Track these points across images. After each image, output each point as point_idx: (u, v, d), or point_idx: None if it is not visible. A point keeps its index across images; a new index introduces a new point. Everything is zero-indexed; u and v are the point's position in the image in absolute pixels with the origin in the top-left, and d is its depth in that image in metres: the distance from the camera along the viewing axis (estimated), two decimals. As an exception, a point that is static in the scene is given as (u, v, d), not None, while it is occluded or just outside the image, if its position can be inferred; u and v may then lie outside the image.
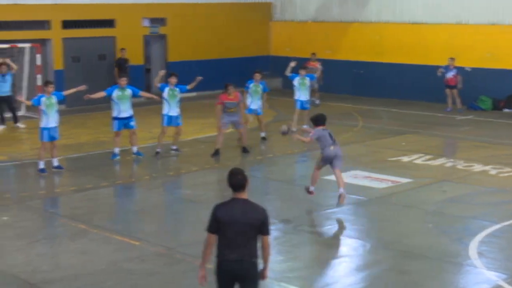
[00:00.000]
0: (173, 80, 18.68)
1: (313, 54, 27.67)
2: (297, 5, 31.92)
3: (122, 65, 26.96)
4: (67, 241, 12.57)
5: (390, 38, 28.68)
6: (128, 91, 18.18)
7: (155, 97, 19.18)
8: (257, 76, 20.44)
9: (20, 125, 22.88)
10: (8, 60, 23.12)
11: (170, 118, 18.74)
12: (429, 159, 18.29)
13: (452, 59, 25.63)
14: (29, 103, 17.43)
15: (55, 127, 16.97)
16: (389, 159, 18.38)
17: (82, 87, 17.62)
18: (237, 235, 7.70)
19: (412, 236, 12.67)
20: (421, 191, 15.52)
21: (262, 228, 7.80)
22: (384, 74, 28.87)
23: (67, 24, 26.72)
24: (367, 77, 29.40)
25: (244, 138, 19.25)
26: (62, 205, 15.21)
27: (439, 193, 15.38)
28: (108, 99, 18.42)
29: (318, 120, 14.41)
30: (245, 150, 19.12)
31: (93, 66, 27.33)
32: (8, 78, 22.66)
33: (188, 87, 18.97)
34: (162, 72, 19.48)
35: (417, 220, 13.67)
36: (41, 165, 16.93)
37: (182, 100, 19.13)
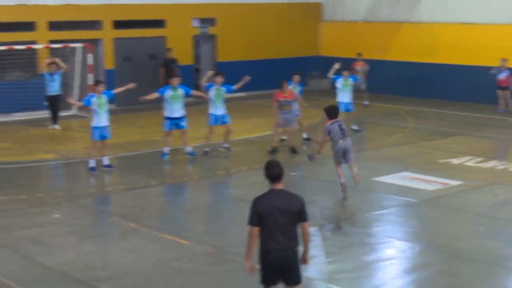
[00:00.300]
0: (219, 79, 18.72)
1: (359, 54, 27.54)
2: (347, 5, 31.77)
3: (168, 65, 27.13)
4: (117, 239, 12.69)
5: (441, 39, 28.37)
6: (180, 91, 18.30)
7: (205, 96, 19.20)
8: (296, 78, 20.24)
9: (57, 127, 22.96)
10: (58, 60, 23.39)
11: (216, 117, 18.80)
12: (480, 162, 18.05)
13: (505, 60, 25.27)
14: (80, 104, 17.64)
15: (106, 126, 17.15)
16: (439, 160, 18.19)
17: (131, 85, 17.78)
18: (279, 224, 8.03)
19: (462, 238, 12.52)
20: (472, 194, 15.32)
21: (301, 215, 8.16)
22: (435, 74, 28.57)
23: (118, 24, 26.99)
24: (417, 78, 29.12)
25: (291, 138, 19.23)
26: (113, 204, 15.37)
27: (490, 196, 15.18)
28: (159, 99, 18.52)
29: (330, 113, 14.86)
30: (293, 151, 19.06)
31: (144, 65, 27.55)
32: (57, 77, 22.90)
33: (235, 87, 18.99)
34: (210, 73, 19.52)
35: (468, 223, 13.51)
36: (92, 163, 17.13)
37: (231, 100, 19.20)
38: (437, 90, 28.45)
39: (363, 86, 26.28)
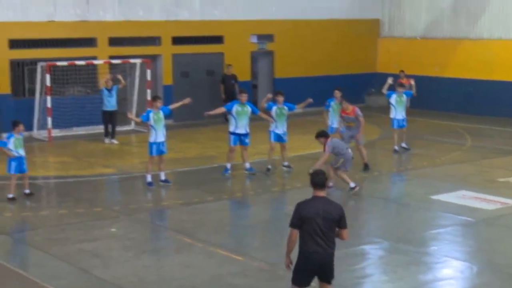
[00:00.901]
0: (280, 98, 18.63)
1: (402, 71, 27.64)
2: (406, 22, 31.57)
3: (227, 81, 27.30)
4: (173, 254, 12.78)
5: (501, 56, 27.99)
6: (248, 108, 18.27)
7: (270, 119, 18.82)
8: (337, 93, 20.15)
9: (115, 141, 23.21)
10: (119, 76, 23.68)
11: (278, 135, 18.72)
12: (541, 180, 17.72)
13: None
14: (139, 120, 17.74)
15: (163, 141, 17.28)
16: (499, 179, 17.89)
17: (187, 100, 17.87)
18: (319, 229, 8.76)
19: (521, 259, 12.30)
20: (532, 214, 15.04)
21: (341, 222, 8.91)
22: (495, 92, 28.18)
23: (177, 40, 27.25)
24: (476, 95, 28.76)
25: (364, 154, 18.96)
26: (169, 218, 15.47)
27: (551, 216, 14.88)
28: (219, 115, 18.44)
29: (323, 134, 16.19)
30: (366, 167, 18.88)
31: (201, 81, 27.73)
32: (114, 92, 23.15)
33: (298, 107, 19.08)
34: (270, 95, 19.24)
35: (527, 243, 13.26)
36: (149, 178, 17.27)
37: (288, 117, 19.09)
38: (497, 108, 28.03)
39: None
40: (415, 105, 28.25)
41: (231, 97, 26.60)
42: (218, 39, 28.25)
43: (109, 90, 22.98)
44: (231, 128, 18.27)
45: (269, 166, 18.74)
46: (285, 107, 18.69)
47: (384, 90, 21.68)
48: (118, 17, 25.84)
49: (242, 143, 18.37)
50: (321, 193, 8.93)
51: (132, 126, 25.16)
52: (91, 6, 25.22)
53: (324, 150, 16.03)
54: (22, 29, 24.02)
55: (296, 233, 8.84)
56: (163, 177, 17.48)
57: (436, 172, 19.00)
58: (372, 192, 17.15)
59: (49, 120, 23.61)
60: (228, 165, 18.50)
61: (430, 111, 28.71)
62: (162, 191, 17.25)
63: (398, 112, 21.32)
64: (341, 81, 28.51)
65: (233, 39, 28.33)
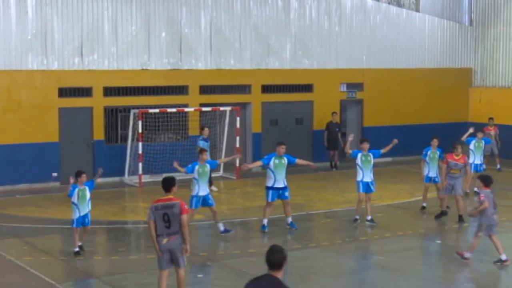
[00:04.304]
0: (366, 146, 18.28)
1: (491, 119, 27.55)
2: (498, 71, 31.11)
3: (331, 129, 27.53)
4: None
5: None
6: (285, 160, 17.57)
7: (311, 164, 18.71)
8: (435, 142, 19.80)
9: (214, 188, 23.33)
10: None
11: (366, 184, 18.31)
12: None
13: None
14: (183, 170, 17.48)
15: (207, 194, 17.16)
16: None
17: (237, 156, 17.77)
18: None
19: None
20: None
21: None
22: None
23: (267, 88, 27.53)
24: None
25: (461, 206, 18.51)
26: (256, 266, 15.43)
27: None
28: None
29: (486, 180, 14.80)
30: (461, 219, 18.44)
31: (290, 129, 27.83)
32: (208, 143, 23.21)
33: (383, 151, 18.47)
34: (351, 137, 18.91)
35: None
36: (221, 227, 17.14)
37: (376, 165, 18.86)
38: None
39: (495, 151, 26.83)
40: (507, 155, 27.69)
41: (334, 145, 26.79)
42: (307, 88, 28.42)
43: (206, 140, 23.05)
44: (269, 183, 17.50)
45: (357, 217, 18.42)
46: (370, 154, 18.31)
47: (464, 138, 21.92)
48: (210, 65, 26.30)
49: (282, 197, 17.62)
50: (274, 273, 7.60)
51: (220, 173, 25.38)
52: (183, 55, 25.78)
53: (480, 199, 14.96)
54: (117, 77, 24.73)
55: None
56: (221, 228, 17.27)
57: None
58: (463, 244, 16.77)
59: (140, 165, 24.08)
60: (265, 221, 17.70)
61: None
62: (248, 239, 17.23)
63: (476, 157, 21.87)
64: (431, 130, 28.13)
65: (323, 88, 28.44)
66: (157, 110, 24.58)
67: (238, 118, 25.51)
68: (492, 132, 26.95)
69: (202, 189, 17.07)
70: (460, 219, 18.44)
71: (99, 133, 24.61)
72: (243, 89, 27.33)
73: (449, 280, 14.28)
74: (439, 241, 16.56)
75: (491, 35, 31.29)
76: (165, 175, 24.48)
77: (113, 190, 23.12)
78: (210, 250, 16.25)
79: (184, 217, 11.83)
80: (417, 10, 31.08)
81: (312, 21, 28.24)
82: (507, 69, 30.75)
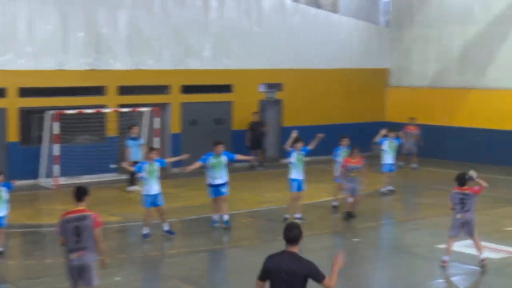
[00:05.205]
0: (300, 145, 18.55)
1: (412, 118, 28.16)
2: (414, 71, 31.72)
3: (255, 129, 27.78)
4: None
5: (510, 105, 28.01)
6: (223, 158, 17.91)
7: (251, 158, 19.07)
8: (345, 141, 20.24)
9: (137, 188, 23.19)
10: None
11: (299, 182, 18.57)
12: (549, 230, 17.61)
13: None
14: (132, 169, 17.53)
15: (158, 193, 17.02)
16: (506, 229, 17.80)
17: (184, 156, 17.81)
18: (282, 284, 8.20)
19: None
20: (540, 263, 14.91)
21: (313, 277, 8.23)
22: (503, 141, 28.12)
23: (186, 89, 27.42)
24: (485, 145, 28.71)
25: (355, 205, 18.99)
26: (174, 266, 15.37)
27: (559, 265, 14.74)
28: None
29: (461, 181, 14.52)
30: (349, 215, 18.83)
31: (210, 130, 27.80)
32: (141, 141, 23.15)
33: (310, 147, 18.81)
34: (294, 134, 18.91)
35: (535, 294, 13.12)
36: (145, 230, 17.02)
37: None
38: (506, 157, 27.94)
39: (414, 150, 27.37)
40: (423, 154, 28.28)
41: (257, 144, 26.96)
42: (227, 88, 28.43)
43: (135, 139, 22.91)
44: (209, 181, 17.99)
45: (286, 216, 18.50)
46: (303, 152, 18.57)
47: (376, 139, 22.47)
48: (128, 66, 26.04)
49: (220, 193, 17.96)
50: (291, 248, 8.36)
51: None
52: (101, 55, 25.46)
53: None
54: (33, 78, 24.24)
55: (261, 284, 8.37)
56: (166, 228, 17.26)
57: (444, 222, 18.78)
58: (379, 241, 17.06)
59: (57, 168, 23.68)
60: (215, 217, 18.19)
61: (439, 160, 28.67)
62: (167, 240, 17.15)
63: (388, 157, 22.24)
64: (349, 130, 28.54)
65: (242, 88, 28.50)
66: (74, 111, 24.18)
67: (157, 119, 25.29)
68: (414, 132, 27.45)
69: (153, 188, 16.99)
70: (349, 214, 18.80)
71: (13, 135, 24.09)
72: (163, 89, 27.15)
73: (366, 277, 14.48)
74: (356, 239, 16.76)
75: (407, 37, 31.88)
76: (83, 177, 24.38)
77: (29, 192, 22.64)
78: (129, 252, 16.09)
79: (98, 230, 10.89)
80: (335, 11, 31.43)
81: (231, 21, 28.25)
82: (422, 69, 31.38)
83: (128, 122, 24.70)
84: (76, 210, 10.94)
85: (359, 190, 18.94)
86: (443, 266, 14.24)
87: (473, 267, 14.52)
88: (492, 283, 13.84)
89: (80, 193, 11.01)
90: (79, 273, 10.88)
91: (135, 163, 21.77)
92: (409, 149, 27.20)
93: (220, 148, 17.98)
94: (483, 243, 15.97)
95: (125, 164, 19.12)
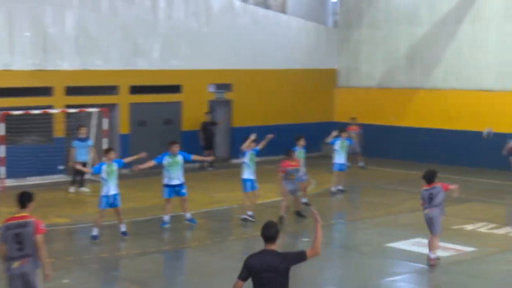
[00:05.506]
0: (252, 145, 18.78)
1: (353, 118, 28.63)
2: (362, 72, 31.99)
3: (207, 129, 27.92)
4: (126, 305, 12.59)
5: (456, 105, 28.42)
6: (180, 158, 18.05)
7: (207, 159, 19.62)
8: (301, 142, 20.44)
9: (85, 189, 23.05)
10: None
11: (252, 182, 18.73)
12: (493, 228, 17.92)
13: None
14: (89, 171, 17.46)
15: (116, 194, 16.96)
16: (453, 227, 18.02)
17: (143, 155, 17.72)
18: (265, 281, 8.41)
19: (475, 307, 12.35)
20: (485, 261, 15.17)
21: (299, 260, 8.62)
22: (450, 141, 28.52)
23: (135, 89, 27.25)
24: (432, 144, 29.08)
25: (298, 203, 19.32)
26: (124, 268, 15.28)
27: (503, 263, 15.02)
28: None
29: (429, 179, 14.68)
30: (299, 214, 19.10)
31: (159, 130, 27.67)
32: (89, 142, 23.04)
33: (259, 147, 19.02)
34: (253, 136, 19.11)
35: (481, 291, 13.33)
36: (94, 232, 16.89)
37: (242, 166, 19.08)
38: (453, 156, 28.33)
39: (358, 149, 27.70)
40: (371, 154, 28.57)
41: (210, 144, 26.95)
42: (176, 88, 28.33)
43: (83, 140, 22.73)
44: (165, 181, 18.04)
45: (243, 216, 18.60)
46: (254, 152, 18.83)
47: (328, 140, 22.91)
48: (76, 66, 25.77)
49: (179, 194, 18.14)
50: (270, 246, 8.57)
51: (87, 175, 24.88)
52: (48, 55, 25.15)
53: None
54: (-23, 78, 23.86)
55: (241, 284, 8.52)
56: (123, 229, 17.18)
57: (392, 220, 19.11)
58: (329, 240, 17.14)
59: (2, 169, 23.35)
60: (166, 218, 18.21)
61: (387, 160, 28.98)
62: (118, 241, 17.05)
63: (340, 157, 22.59)
64: (298, 130, 28.65)
65: (192, 88, 28.43)
66: (20, 112, 23.84)
67: (105, 120, 25.06)
68: (355, 132, 27.80)
69: (111, 189, 16.84)
70: (298, 213, 19.13)
71: (-42, 136, 23.68)
72: (111, 90, 26.92)
73: (316, 276, 14.56)
74: (306, 239, 16.83)
75: (355, 37, 32.13)
76: (29, 178, 24.05)
77: (-26, 195, 22.29)
78: (77, 255, 15.92)
79: (39, 237, 10.37)
80: (284, 12, 31.54)
81: (180, 22, 28.15)
82: (370, 70, 31.67)
83: (76, 123, 24.47)
84: (19, 217, 10.47)
85: (298, 190, 19.18)
86: (432, 264, 14.39)
87: (420, 265, 14.68)
88: (438, 281, 14.01)
89: (24, 199, 10.54)
90: (21, 282, 10.41)
91: (83, 164, 21.67)
92: (353, 148, 27.45)
93: (176, 147, 18.05)
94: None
95: (78, 166, 18.97)
